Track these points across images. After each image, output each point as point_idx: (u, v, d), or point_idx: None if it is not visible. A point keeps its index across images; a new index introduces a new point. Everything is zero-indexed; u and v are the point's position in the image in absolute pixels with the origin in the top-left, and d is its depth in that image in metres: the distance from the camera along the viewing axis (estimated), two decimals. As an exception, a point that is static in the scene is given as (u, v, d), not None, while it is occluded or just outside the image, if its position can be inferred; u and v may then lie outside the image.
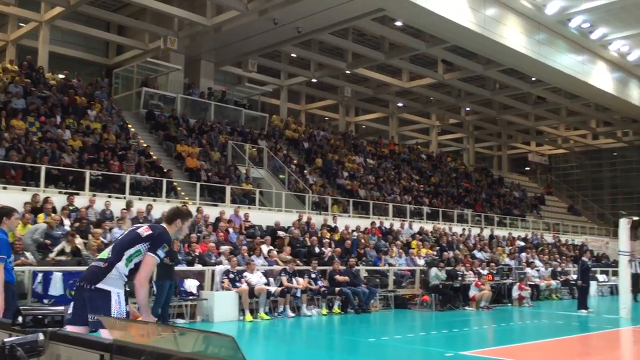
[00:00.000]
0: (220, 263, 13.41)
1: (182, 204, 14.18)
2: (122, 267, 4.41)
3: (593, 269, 24.34)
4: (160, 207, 13.78)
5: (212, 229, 15.24)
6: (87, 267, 5.15)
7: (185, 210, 5.33)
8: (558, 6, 22.63)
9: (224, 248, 14.21)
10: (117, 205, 14.46)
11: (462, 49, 24.78)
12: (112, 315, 4.24)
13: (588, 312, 15.85)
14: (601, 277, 24.39)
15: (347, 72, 29.10)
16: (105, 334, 3.23)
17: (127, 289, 4.57)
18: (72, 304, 4.46)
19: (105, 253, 4.55)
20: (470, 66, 27.29)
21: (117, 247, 4.52)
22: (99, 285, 4.34)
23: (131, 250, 4.45)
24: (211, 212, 16.21)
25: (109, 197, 14.91)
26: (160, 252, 4.54)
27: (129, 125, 20.02)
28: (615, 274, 20.00)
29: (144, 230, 4.58)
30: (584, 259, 16.84)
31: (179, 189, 17.74)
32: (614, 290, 21.49)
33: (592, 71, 27.21)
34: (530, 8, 22.76)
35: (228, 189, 17.99)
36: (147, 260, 4.48)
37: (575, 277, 21.97)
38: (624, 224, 15.16)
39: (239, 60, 26.18)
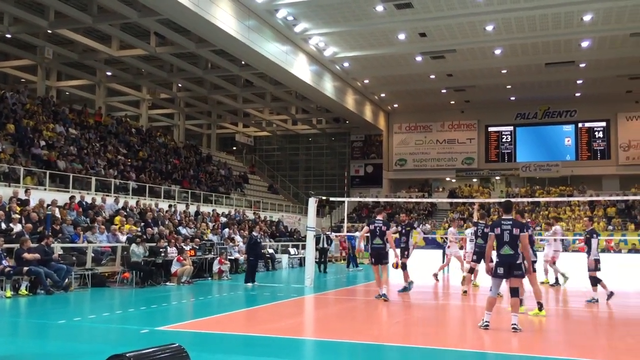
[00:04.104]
0: None
1: None
2: None
3: (286, 242, 26.62)
4: None
5: None
6: None
7: None
8: (267, -4, 23.97)
9: None
10: None
11: (176, 24, 24.55)
12: None
13: (253, 285, 16.57)
14: (292, 250, 26.96)
15: (49, 31, 26.41)
16: None
17: None
18: None
19: None
20: (183, 42, 27.20)
21: None
22: None
23: None
24: None
25: None
26: None
27: None
28: (305, 247, 22.27)
29: None
30: (254, 233, 17.62)
31: None
32: (302, 262, 23.90)
33: (294, 62, 29.59)
34: (243, -6, 23.67)
35: None
36: None
37: (271, 251, 23.72)
38: (312, 203, 16.96)
39: None
